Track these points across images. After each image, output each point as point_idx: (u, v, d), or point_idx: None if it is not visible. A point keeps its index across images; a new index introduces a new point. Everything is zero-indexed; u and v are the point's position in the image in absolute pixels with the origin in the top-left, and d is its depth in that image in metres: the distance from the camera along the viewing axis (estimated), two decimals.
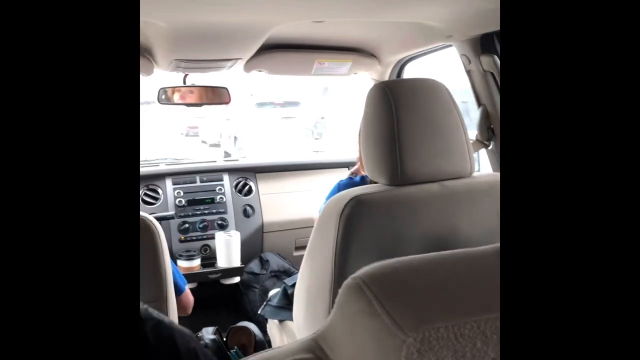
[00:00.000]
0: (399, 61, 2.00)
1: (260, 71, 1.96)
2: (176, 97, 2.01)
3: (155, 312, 0.54)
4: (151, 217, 1.17)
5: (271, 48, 1.85)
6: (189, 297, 1.52)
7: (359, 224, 1.17)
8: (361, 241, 1.18)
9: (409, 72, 2.10)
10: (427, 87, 1.20)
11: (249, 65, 1.90)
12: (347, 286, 0.45)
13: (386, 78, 2.07)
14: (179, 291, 1.41)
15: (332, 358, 0.46)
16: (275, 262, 2.33)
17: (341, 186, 1.45)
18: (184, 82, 2.01)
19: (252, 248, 2.34)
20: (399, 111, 1.14)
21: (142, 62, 1.76)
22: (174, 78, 2.05)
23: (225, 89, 2.01)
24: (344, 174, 2.60)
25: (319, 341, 0.48)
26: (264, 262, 2.32)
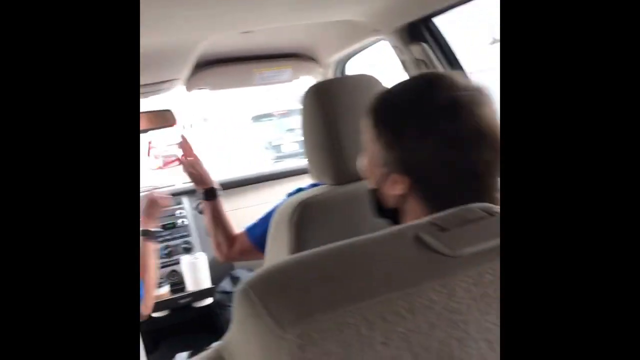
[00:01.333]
0: (339, 61, 2.00)
1: (201, 89, 1.95)
2: None
3: None
4: None
5: (209, 64, 1.84)
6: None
7: (310, 228, 1.17)
8: (315, 244, 1.16)
9: (355, 71, 2.10)
10: (361, 82, 1.20)
11: (190, 84, 1.90)
12: (237, 292, 0.45)
13: None
14: None
15: None
16: (247, 277, 2.30)
17: (291, 196, 1.44)
18: None
19: (222, 267, 2.31)
20: (334, 109, 1.14)
21: None
22: None
23: (169, 111, 1.99)
24: (306, 181, 2.59)
25: (221, 351, 0.47)
26: (235, 280, 2.30)
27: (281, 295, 0.42)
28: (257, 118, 9.01)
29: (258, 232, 1.40)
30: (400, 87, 0.79)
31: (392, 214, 0.80)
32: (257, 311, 0.41)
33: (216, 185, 1.56)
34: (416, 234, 0.48)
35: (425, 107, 0.72)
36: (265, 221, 1.39)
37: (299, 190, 1.43)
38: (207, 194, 1.55)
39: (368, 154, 0.82)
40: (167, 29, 1.26)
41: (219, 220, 1.52)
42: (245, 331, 0.43)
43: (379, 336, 0.40)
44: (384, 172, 0.77)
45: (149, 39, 1.33)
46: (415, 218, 0.77)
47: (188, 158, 1.56)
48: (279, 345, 0.39)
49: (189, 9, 1.16)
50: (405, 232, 0.48)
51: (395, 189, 0.76)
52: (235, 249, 1.47)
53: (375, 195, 0.82)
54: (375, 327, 0.40)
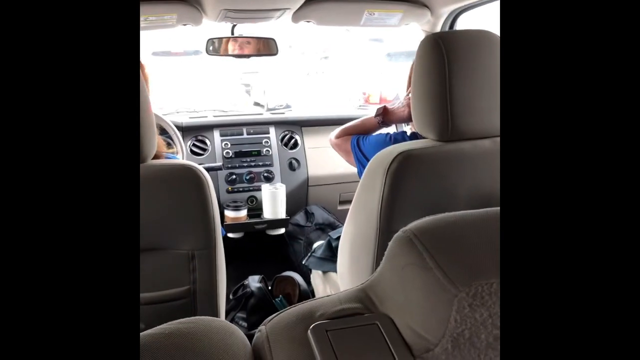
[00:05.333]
0: (452, 12, 1.92)
1: (308, 21, 1.93)
2: (224, 48, 2.01)
3: None
4: (200, 167, 1.18)
5: None
6: None
7: (405, 179, 1.16)
8: (407, 196, 1.17)
9: (461, 26, 2.02)
10: (482, 39, 1.15)
11: (297, 16, 1.87)
12: (397, 239, 0.45)
13: (437, 30, 2.00)
14: None
15: (381, 309, 0.46)
16: (320, 215, 2.35)
17: (392, 137, 1.45)
18: (232, 33, 2.00)
19: (297, 201, 2.36)
20: (451, 64, 1.10)
21: (191, 12, 1.75)
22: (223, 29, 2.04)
23: (273, 40, 1.99)
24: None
25: (368, 292, 0.48)
26: (309, 215, 2.35)
27: (451, 252, 0.42)
28: (392, 56, 8.30)
29: (358, 142, 1.56)
30: None
31: None
32: (424, 262, 0.41)
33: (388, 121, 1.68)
34: None
35: None
36: (370, 138, 1.54)
37: (403, 134, 1.44)
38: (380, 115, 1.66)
39: None
40: None
41: (361, 129, 1.69)
42: (404, 278, 0.44)
43: None
44: None
45: None
46: None
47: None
48: (449, 300, 0.39)
49: None
50: None
51: None
52: (341, 138, 1.70)
53: None
54: None
